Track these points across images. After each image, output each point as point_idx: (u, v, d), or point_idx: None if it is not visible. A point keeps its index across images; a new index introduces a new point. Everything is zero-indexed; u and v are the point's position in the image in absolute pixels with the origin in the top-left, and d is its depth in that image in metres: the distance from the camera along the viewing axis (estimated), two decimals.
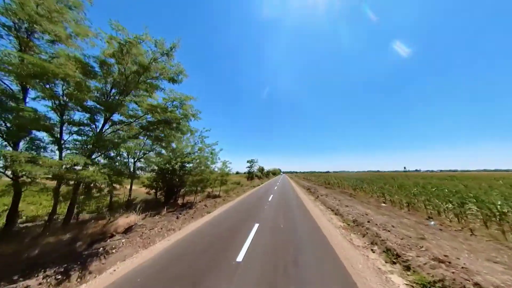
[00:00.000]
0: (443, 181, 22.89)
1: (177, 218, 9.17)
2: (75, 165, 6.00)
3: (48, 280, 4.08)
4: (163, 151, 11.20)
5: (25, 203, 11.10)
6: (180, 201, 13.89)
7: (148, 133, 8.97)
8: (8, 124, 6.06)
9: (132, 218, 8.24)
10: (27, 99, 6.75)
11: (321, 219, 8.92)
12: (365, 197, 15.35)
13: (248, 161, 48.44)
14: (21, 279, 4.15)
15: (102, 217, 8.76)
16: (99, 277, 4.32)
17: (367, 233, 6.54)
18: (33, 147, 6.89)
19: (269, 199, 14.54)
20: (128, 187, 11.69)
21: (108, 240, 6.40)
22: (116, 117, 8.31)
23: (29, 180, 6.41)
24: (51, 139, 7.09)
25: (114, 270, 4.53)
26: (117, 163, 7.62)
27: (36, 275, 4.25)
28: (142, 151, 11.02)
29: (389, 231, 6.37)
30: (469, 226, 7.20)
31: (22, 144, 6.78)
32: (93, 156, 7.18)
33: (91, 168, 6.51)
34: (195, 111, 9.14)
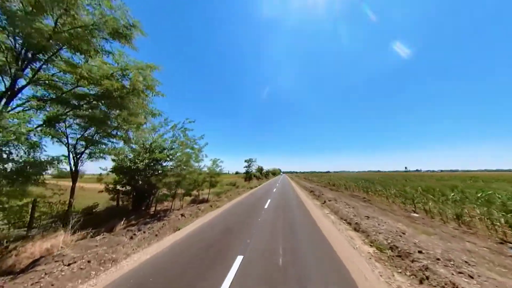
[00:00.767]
0: (465, 183, 20.17)
1: (131, 238, 6.40)
2: None
3: None
4: (121, 144, 8.42)
5: None
6: (155, 208, 11.10)
7: (80, 112, 6.16)
8: None
9: (55, 240, 5.47)
10: None
11: (337, 240, 6.16)
12: (383, 203, 12.59)
13: (245, 161, 45.62)
14: None
15: (20, 237, 5.99)
16: None
17: (426, 277, 3.78)
18: None
19: (266, 206, 11.75)
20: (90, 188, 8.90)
21: None
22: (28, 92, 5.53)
23: None
24: None
25: None
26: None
27: None
28: (85, 142, 7.71)
29: (471, 276, 3.60)
30: None
31: None
32: None
33: None
34: (152, 82, 6.35)
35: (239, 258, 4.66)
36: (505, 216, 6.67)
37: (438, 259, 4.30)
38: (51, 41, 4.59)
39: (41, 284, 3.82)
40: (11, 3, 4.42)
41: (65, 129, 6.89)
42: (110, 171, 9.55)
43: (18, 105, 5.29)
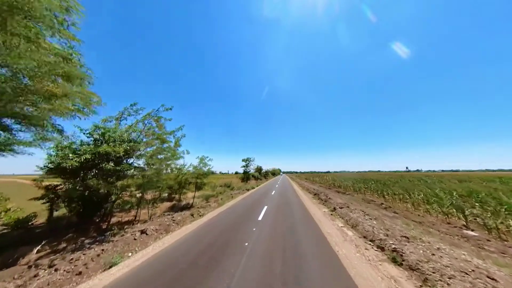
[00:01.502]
0: (490, 184, 17.52)
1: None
2: None
3: None
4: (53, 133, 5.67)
5: None
6: (109, 221, 8.39)
7: None
8: None
9: None
10: None
11: None
12: (410, 211, 9.93)
13: (243, 160, 42.78)
14: None
15: None
16: None
17: None
18: None
19: (260, 218, 9.01)
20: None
21: None
22: None
23: None
24: None
25: None
26: None
27: None
28: None
29: None
30: None
31: None
32: None
33: None
34: None
35: None
36: None
37: None
38: None
39: None
40: None
41: None
42: (45, 170, 6.89)
43: None
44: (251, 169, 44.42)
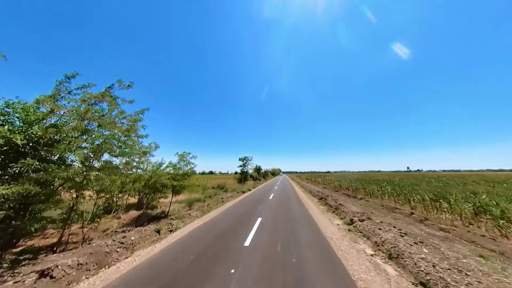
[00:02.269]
0: None
1: None
2: None
3: None
4: None
5: None
6: (35, 242, 5.63)
7: None
8: None
9: None
10: None
11: None
12: (463, 227, 7.15)
13: (240, 159, 39.73)
14: None
15: None
16: None
17: None
18: None
19: (247, 242, 6.24)
20: None
21: None
22: None
23: None
24: None
25: None
26: None
27: None
28: None
29: None
30: None
31: None
32: None
33: None
34: None
35: None
36: None
37: None
38: None
39: None
40: None
41: None
42: None
43: None
44: (249, 168, 41.53)
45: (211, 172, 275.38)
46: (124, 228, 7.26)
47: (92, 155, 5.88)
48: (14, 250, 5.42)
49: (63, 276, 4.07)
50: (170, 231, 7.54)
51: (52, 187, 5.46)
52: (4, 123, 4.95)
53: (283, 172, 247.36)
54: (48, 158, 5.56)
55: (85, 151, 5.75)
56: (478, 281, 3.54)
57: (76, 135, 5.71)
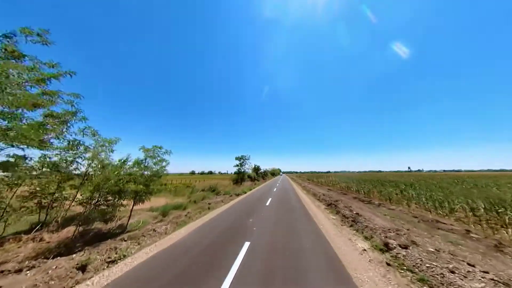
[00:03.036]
0: None
1: None
2: None
3: None
4: None
5: None
6: None
7: None
8: None
9: None
10: None
11: None
12: None
13: (237, 158, 36.85)
14: None
15: None
16: None
17: None
18: None
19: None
20: None
21: None
22: None
23: None
24: None
25: None
26: None
27: None
28: None
29: None
30: None
31: None
32: None
33: None
34: None
35: None
36: None
37: None
38: None
39: None
40: None
41: None
42: None
43: None
44: (247, 168, 38.76)
45: (210, 172, 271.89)
46: (27, 263, 4.51)
47: None
48: None
49: None
50: (109, 262, 4.84)
51: None
52: None
53: (283, 172, 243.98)
54: None
55: None
56: None
57: None
